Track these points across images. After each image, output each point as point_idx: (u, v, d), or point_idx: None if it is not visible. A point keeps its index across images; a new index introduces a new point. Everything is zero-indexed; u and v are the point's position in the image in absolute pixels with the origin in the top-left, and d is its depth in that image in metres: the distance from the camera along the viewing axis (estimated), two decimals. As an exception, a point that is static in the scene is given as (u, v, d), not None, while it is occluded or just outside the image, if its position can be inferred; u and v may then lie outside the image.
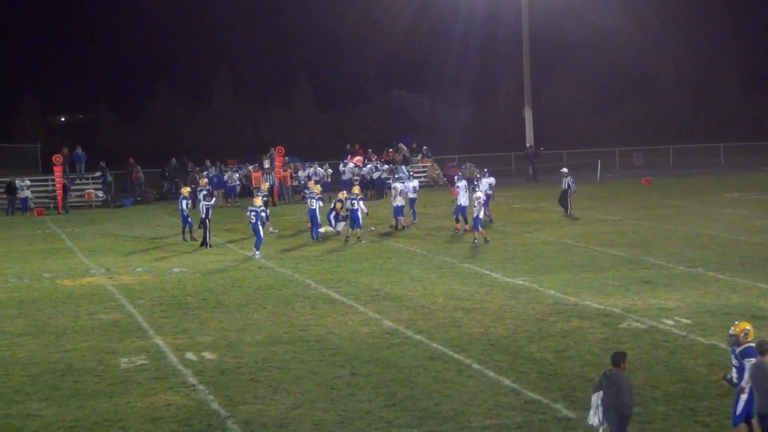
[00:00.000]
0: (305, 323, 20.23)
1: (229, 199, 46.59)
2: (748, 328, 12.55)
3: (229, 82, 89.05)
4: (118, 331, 20.13)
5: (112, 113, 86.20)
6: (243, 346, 18.54)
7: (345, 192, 34.24)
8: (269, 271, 26.81)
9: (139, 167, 49.98)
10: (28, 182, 46.37)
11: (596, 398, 12.03)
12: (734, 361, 12.58)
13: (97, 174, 49.73)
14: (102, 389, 16.06)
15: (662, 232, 31.88)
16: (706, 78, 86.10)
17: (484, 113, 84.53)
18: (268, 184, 40.25)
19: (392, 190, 35.40)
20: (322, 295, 23.16)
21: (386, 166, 48.19)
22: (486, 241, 30.29)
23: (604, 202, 41.90)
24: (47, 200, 47.50)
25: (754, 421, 12.30)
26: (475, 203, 30.49)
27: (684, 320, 19.43)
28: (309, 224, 33.28)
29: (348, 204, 32.01)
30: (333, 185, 45.08)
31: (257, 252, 29.20)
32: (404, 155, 52.43)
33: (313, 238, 32.48)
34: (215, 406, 15.04)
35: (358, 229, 31.67)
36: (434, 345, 18.14)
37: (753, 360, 12.16)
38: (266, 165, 47.64)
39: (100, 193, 48.65)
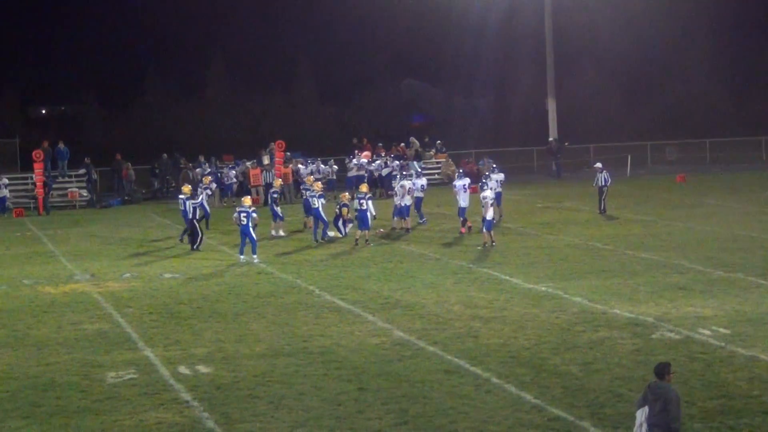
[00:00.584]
0: (309, 334, 20.28)
1: (225, 199, 46.58)
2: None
3: (224, 69, 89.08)
4: (104, 342, 20.19)
5: (97, 105, 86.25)
6: (241, 358, 18.58)
7: (347, 194, 34.21)
8: (269, 277, 26.86)
9: (129, 164, 50.10)
10: (5, 180, 46.56)
11: (641, 414, 11.88)
12: None
13: (81, 171, 49.81)
14: (87, 406, 16.10)
15: (698, 234, 31.88)
16: (745, 66, 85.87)
17: (504, 105, 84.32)
18: (280, 180, 40.10)
19: (399, 188, 34.71)
20: (327, 303, 23.21)
21: (396, 162, 46.72)
22: (492, 243, 30.15)
23: (634, 200, 41.90)
24: (27, 200, 47.68)
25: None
26: (482, 203, 30.39)
27: (722, 330, 19.42)
28: (309, 225, 33.32)
29: (356, 204, 31.92)
30: (338, 183, 45.08)
31: (255, 256, 29.25)
32: (416, 150, 52.35)
33: (315, 240, 32.52)
34: (211, 424, 15.08)
35: (367, 231, 31.70)
36: (449, 357, 18.16)
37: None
38: (265, 161, 47.50)
39: (85, 192, 48.79)
